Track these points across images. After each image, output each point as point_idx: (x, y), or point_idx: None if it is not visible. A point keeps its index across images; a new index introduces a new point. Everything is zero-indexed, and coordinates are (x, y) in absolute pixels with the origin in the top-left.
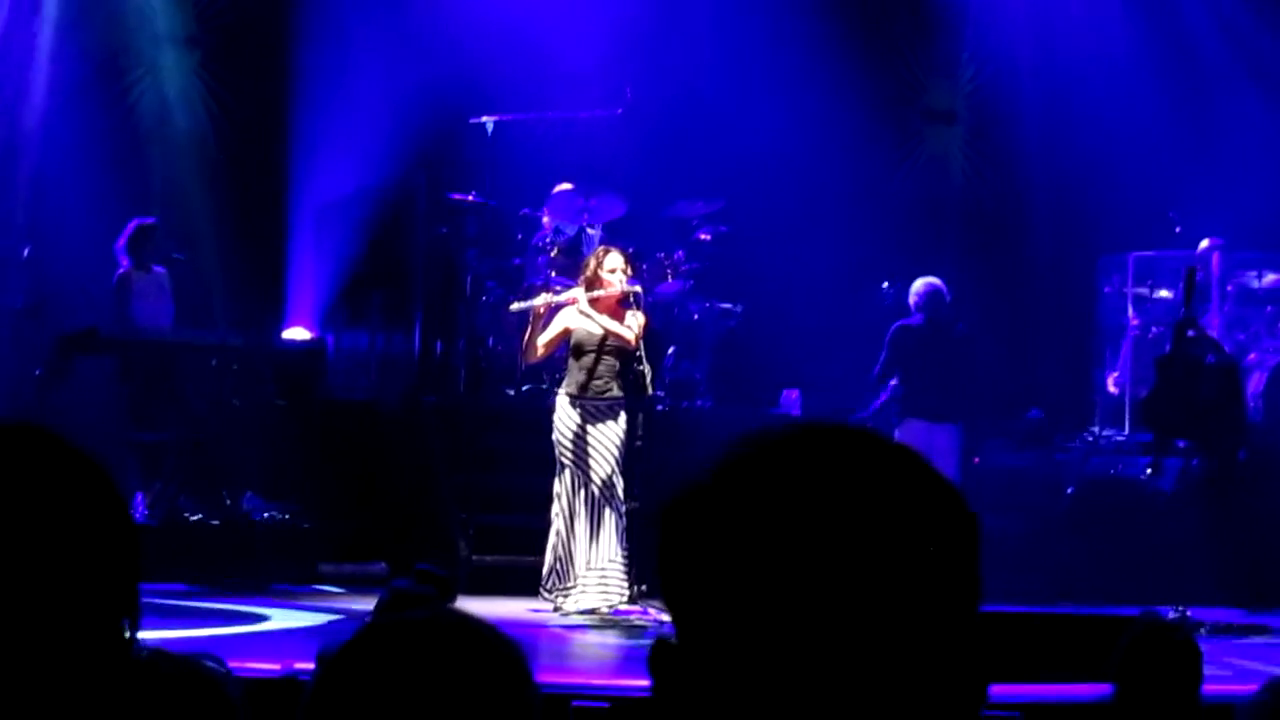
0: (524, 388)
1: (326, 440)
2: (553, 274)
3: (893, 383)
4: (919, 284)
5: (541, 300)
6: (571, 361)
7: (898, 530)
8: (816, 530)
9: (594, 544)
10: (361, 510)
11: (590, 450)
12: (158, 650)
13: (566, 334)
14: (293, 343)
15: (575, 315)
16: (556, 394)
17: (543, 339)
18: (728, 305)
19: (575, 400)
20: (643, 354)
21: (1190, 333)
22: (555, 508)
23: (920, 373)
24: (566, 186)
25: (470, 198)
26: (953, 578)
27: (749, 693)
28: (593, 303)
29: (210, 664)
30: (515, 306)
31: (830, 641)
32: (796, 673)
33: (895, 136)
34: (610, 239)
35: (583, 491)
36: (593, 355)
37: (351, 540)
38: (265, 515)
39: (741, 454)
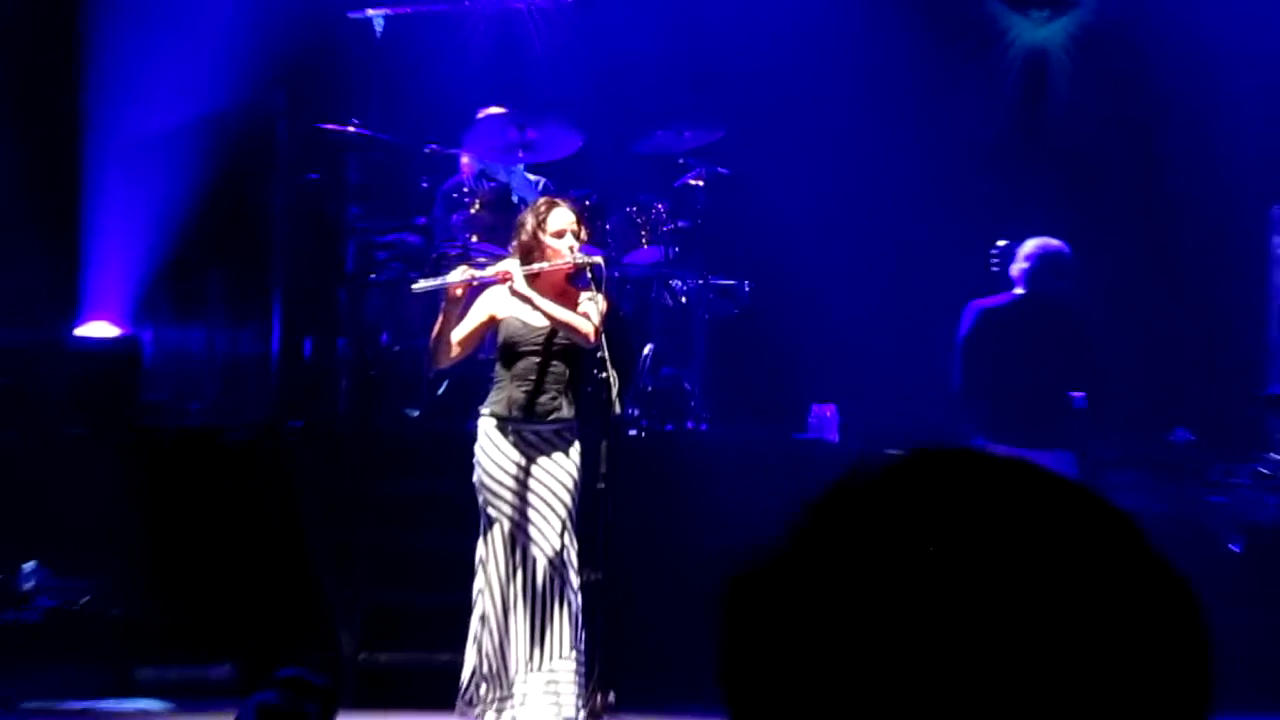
0: (439, 390)
1: (145, 486)
2: (473, 239)
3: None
4: (1029, 246)
5: (458, 276)
6: (500, 368)
7: (1091, 624)
8: (966, 625)
9: (537, 635)
10: (197, 588)
11: (530, 498)
12: None
13: (493, 326)
14: (93, 343)
15: (506, 299)
16: (479, 416)
17: (459, 333)
18: (730, 282)
19: (507, 424)
20: (606, 354)
21: None
22: (480, 581)
23: (1012, 376)
24: (494, 111)
25: (352, 128)
26: (1171, 700)
27: None
28: (532, 280)
29: None
30: (419, 286)
31: None
32: None
33: (971, 33)
34: (558, 187)
35: (520, 558)
36: (532, 359)
37: (183, 632)
38: (55, 597)
39: (842, 504)
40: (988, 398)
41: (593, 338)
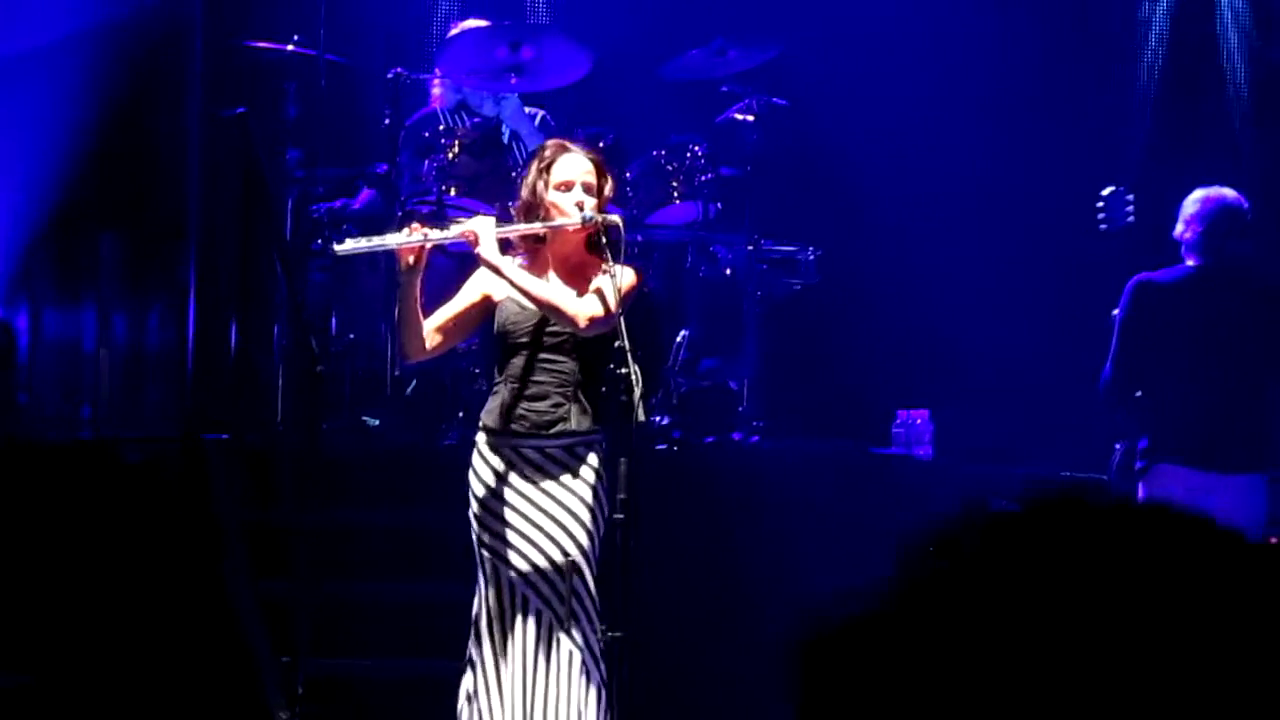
0: (405, 391)
1: (16, 518)
2: (450, 191)
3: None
4: (1194, 199)
5: (402, 237)
6: (495, 366)
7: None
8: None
9: (540, 712)
10: (84, 653)
11: (535, 536)
12: None
13: (485, 309)
14: None
15: (489, 276)
16: (479, 430)
17: (440, 318)
18: (789, 248)
19: (499, 439)
20: (626, 344)
21: None
22: (476, 647)
23: (1190, 373)
24: (475, 25)
25: (291, 47)
26: None
27: None
28: (533, 251)
29: None
30: (343, 248)
31: None
32: None
33: None
34: (561, 124)
35: (521, 615)
36: (530, 353)
37: (65, 712)
38: None
39: (947, 565)
40: (1156, 402)
41: (581, 324)
